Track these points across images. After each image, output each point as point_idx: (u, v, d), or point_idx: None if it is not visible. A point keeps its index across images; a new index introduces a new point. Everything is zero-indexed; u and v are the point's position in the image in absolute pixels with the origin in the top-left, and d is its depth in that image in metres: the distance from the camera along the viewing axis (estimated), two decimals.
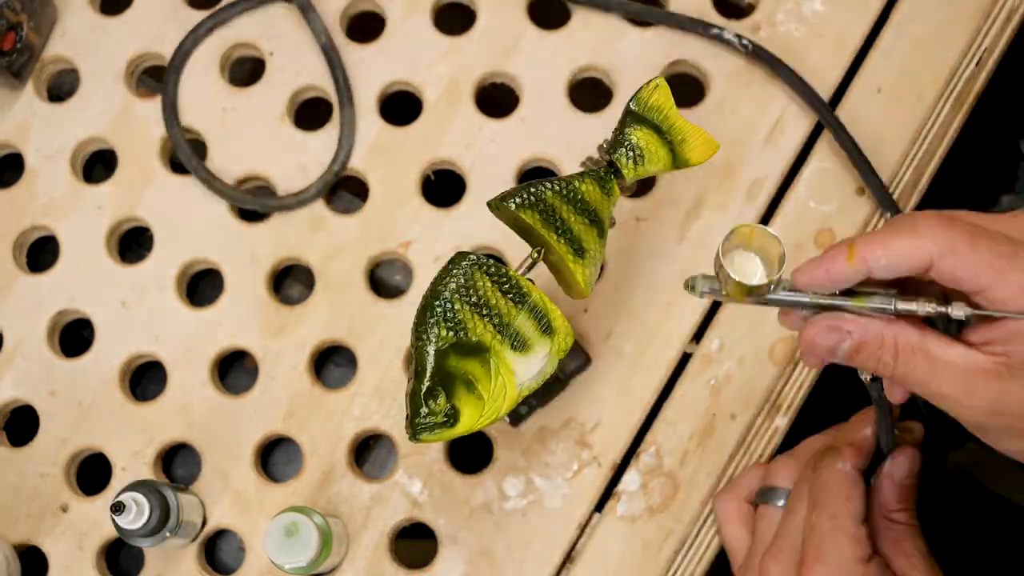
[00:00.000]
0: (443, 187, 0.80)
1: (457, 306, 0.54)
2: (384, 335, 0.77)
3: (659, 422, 0.75)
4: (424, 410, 0.53)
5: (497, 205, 0.56)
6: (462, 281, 0.54)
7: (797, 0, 0.79)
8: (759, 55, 0.77)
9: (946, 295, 0.52)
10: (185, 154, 0.79)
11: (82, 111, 0.82)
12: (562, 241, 0.56)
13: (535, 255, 0.57)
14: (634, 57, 0.79)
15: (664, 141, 0.60)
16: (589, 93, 0.80)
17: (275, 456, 0.81)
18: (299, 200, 0.78)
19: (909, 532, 0.64)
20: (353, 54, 0.81)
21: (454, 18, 0.82)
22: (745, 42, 0.77)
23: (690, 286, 0.54)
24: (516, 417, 0.74)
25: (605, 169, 0.58)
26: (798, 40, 0.78)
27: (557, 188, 0.57)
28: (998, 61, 0.78)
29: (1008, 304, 0.50)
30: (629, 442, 0.74)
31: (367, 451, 0.80)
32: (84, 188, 0.81)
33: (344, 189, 0.83)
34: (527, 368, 0.55)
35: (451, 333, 0.54)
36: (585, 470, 0.74)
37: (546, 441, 0.74)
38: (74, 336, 0.81)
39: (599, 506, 0.74)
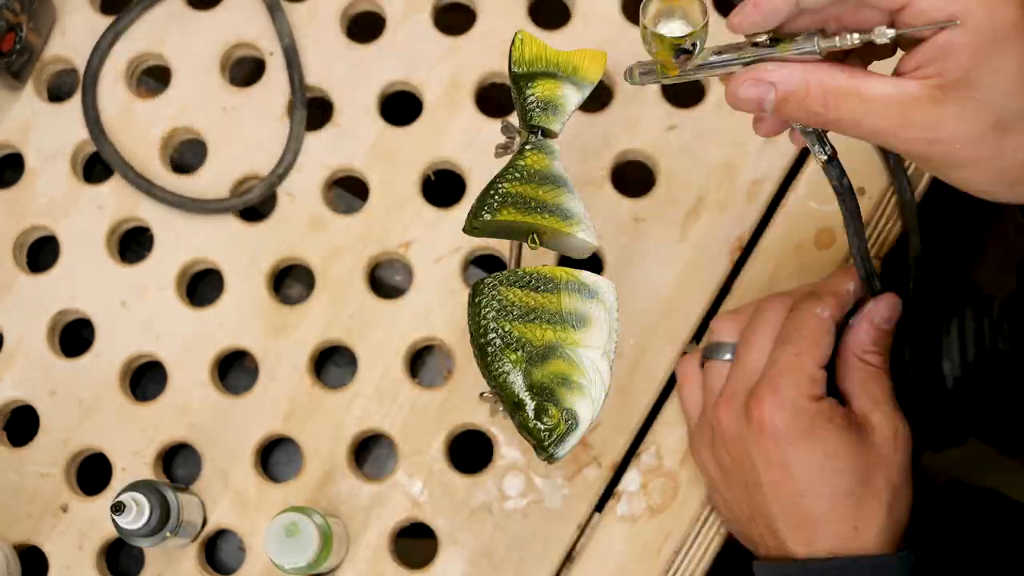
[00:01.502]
0: (443, 187, 0.80)
1: (507, 327, 0.54)
2: (384, 335, 0.77)
3: (659, 422, 0.75)
4: (544, 430, 0.53)
5: (474, 225, 0.57)
6: (496, 305, 0.55)
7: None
8: None
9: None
10: (116, 159, 0.80)
11: (82, 111, 0.81)
12: (547, 216, 0.56)
13: (529, 243, 0.58)
14: (634, 56, 0.79)
15: (562, 80, 0.60)
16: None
17: (275, 456, 0.81)
18: (242, 201, 0.78)
19: (877, 375, 0.64)
20: (353, 54, 0.81)
21: (454, 18, 0.82)
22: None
23: (628, 74, 0.54)
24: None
25: (534, 136, 0.59)
26: None
27: (511, 176, 0.57)
28: None
29: (931, 14, 0.47)
30: (629, 442, 0.75)
31: (367, 451, 0.80)
32: (84, 188, 0.81)
33: (344, 189, 0.83)
34: (598, 334, 0.55)
35: (519, 353, 0.54)
36: (585, 470, 0.74)
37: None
38: (74, 336, 0.81)
39: (599, 506, 0.74)
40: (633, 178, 0.79)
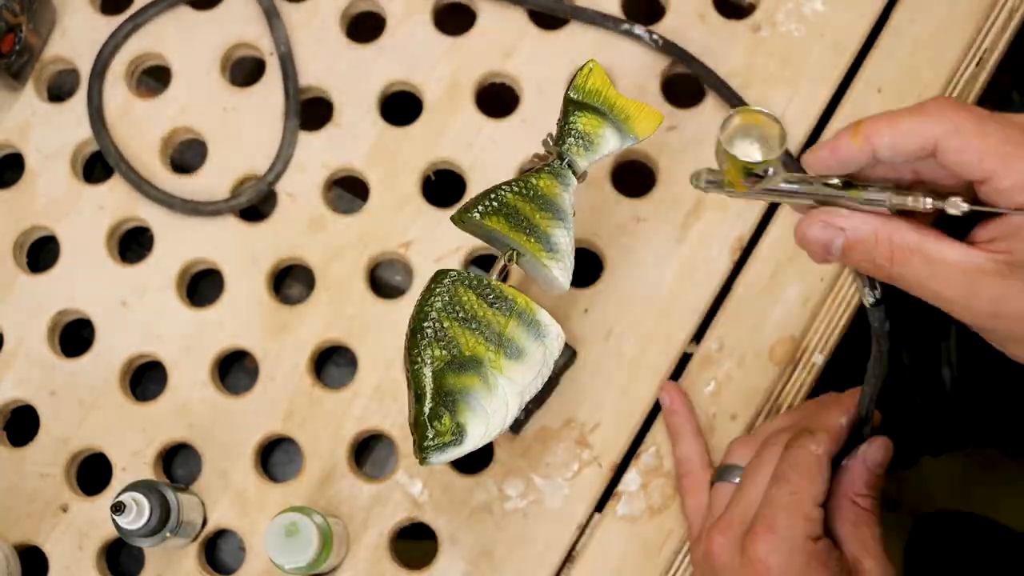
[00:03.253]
0: (443, 187, 0.80)
1: (446, 324, 0.54)
2: (384, 335, 0.77)
3: (659, 422, 0.75)
4: (431, 432, 0.53)
5: (462, 218, 0.57)
6: (447, 299, 0.54)
7: (798, 0, 0.79)
8: (669, 50, 0.78)
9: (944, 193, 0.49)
10: (113, 158, 0.80)
11: (82, 111, 0.82)
12: (532, 240, 0.56)
13: (506, 260, 0.57)
14: (633, 57, 0.79)
15: (609, 122, 0.60)
16: None
17: (275, 456, 0.81)
18: (229, 206, 0.78)
19: (869, 518, 0.63)
20: (353, 54, 0.81)
21: (454, 18, 0.82)
22: (655, 37, 0.78)
23: (695, 178, 0.53)
24: (515, 425, 0.74)
25: (558, 161, 0.59)
26: (798, 40, 0.78)
27: (516, 189, 0.57)
28: (999, 61, 0.78)
29: (1014, 194, 0.46)
30: (629, 442, 0.74)
31: (367, 451, 0.80)
32: (84, 188, 0.81)
33: (344, 189, 0.83)
34: (526, 373, 0.55)
35: (445, 352, 0.54)
36: (585, 470, 0.74)
37: (546, 442, 0.74)
38: (74, 336, 0.81)
39: (599, 506, 0.74)
40: (633, 178, 0.79)
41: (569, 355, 0.74)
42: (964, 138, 0.47)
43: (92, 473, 0.78)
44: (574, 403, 0.75)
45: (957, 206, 0.48)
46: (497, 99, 0.81)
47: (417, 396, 0.54)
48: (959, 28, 0.77)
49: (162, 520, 0.68)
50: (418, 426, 0.53)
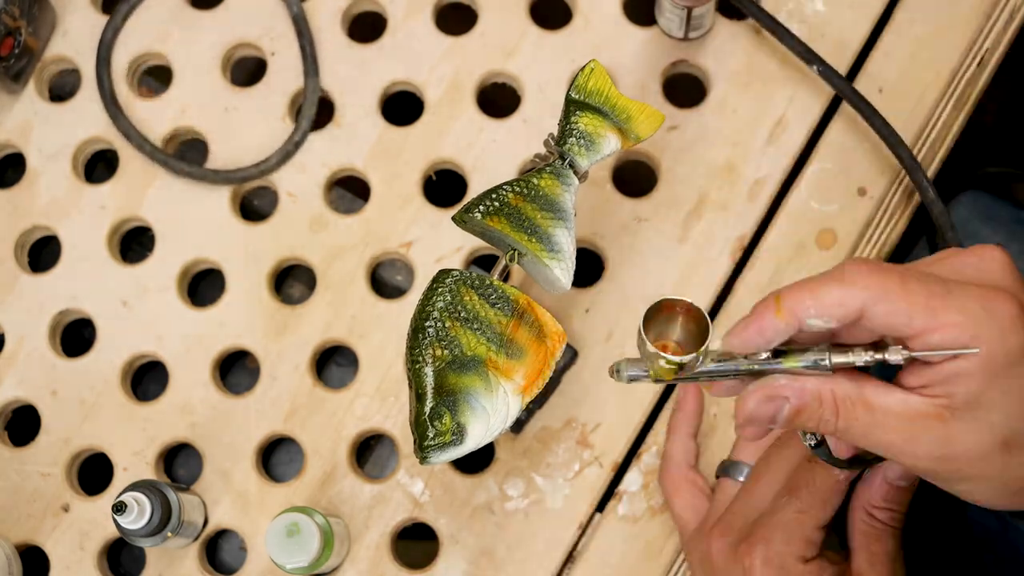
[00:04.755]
0: (444, 187, 0.80)
1: (448, 323, 0.54)
2: (385, 335, 0.77)
3: (660, 422, 0.75)
4: (431, 432, 0.53)
5: (463, 218, 0.56)
6: (449, 299, 0.54)
7: (799, 0, 0.79)
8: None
9: (879, 342, 0.50)
10: (136, 139, 0.80)
11: (83, 110, 0.82)
12: (533, 240, 0.56)
13: (508, 260, 0.57)
14: (635, 57, 0.79)
15: (610, 122, 0.60)
16: None
17: (276, 456, 0.81)
18: (260, 170, 0.79)
19: (882, 532, 0.62)
20: (354, 54, 0.81)
21: (455, 18, 0.82)
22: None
23: (614, 371, 0.51)
24: (517, 424, 0.74)
25: (559, 161, 0.58)
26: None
27: (518, 189, 0.57)
28: (1000, 61, 0.78)
29: (945, 346, 0.48)
30: (630, 442, 0.74)
31: (368, 451, 0.80)
32: (85, 188, 0.81)
33: (346, 189, 0.83)
34: (526, 374, 0.55)
35: (446, 351, 0.54)
36: (586, 470, 0.74)
37: (547, 441, 0.74)
38: (76, 336, 0.81)
39: (600, 506, 0.74)
40: (634, 178, 0.79)
41: (571, 355, 0.74)
42: (891, 303, 0.48)
43: (93, 473, 0.78)
44: (575, 403, 0.75)
45: (899, 353, 0.48)
46: (498, 99, 0.81)
47: (418, 395, 0.54)
48: (960, 28, 0.77)
49: (163, 520, 0.68)
50: (419, 425, 0.53)
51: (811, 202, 0.76)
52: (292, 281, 0.84)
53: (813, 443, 0.54)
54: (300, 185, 0.79)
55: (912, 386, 0.49)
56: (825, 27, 0.78)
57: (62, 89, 0.85)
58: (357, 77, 0.81)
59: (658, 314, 0.49)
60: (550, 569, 0.73)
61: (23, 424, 0.79)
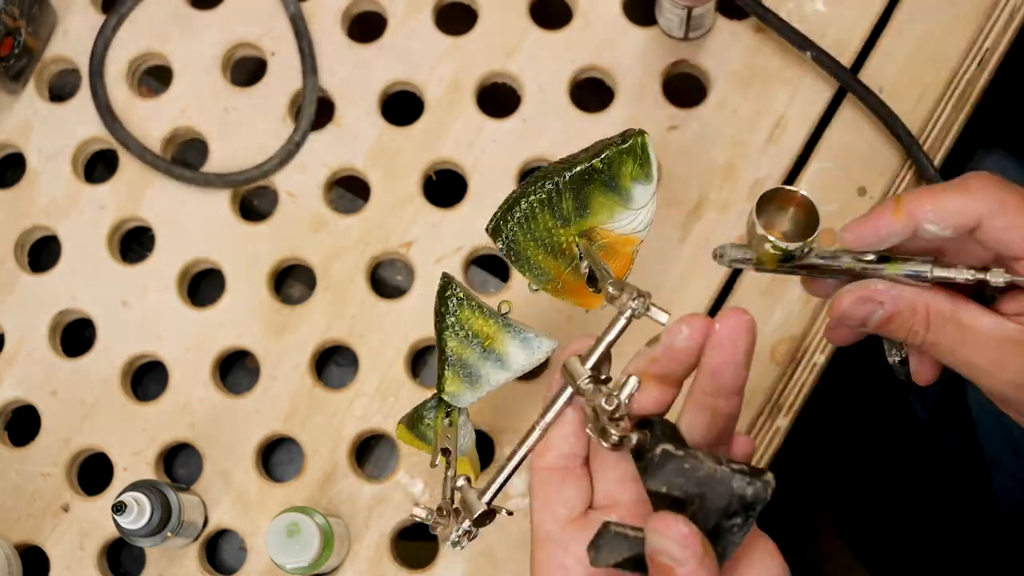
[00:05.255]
0: (444, 187, 0.80)
1: (464, 315, 0.55)
2: (385, 335, 0.77)
3: None
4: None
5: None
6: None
7: (799, 0, 0.79)
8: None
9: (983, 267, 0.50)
10: (136, 148, 0.80)
11: (84, 110, 0.82)
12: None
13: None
14: (635, 57, 0.79)
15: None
16: (591, 93, 0.80)
17: (276, 456, 0.81)
18: (261, 171, 0.79)
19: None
20: (354, 54, 0.81)
21: (455, 18, 0.82)
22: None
23: (719, 255, 0.52)
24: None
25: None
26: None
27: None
28: (1000, 61, 0.78)
29: None
30: None
31: (368, 451, 0.80)
32: (85, 188, 0.81)
33: (346, 189, 0.83)
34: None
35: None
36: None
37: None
38: (76, 336, 0.81)
39: None
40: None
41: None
42: (1009, 218, 0.48)
43: (93, 473, 0.78)
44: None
45: (999, 275, 0.49)
46: (498, 99, 0.81)
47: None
48: (960, 28, 0.77)
49: (163, 520, 0.68)
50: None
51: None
52: (292, 281, 0.84)
53: (898, 359, 0.54)
54: (300, 185, 0.79)
55: (1008, 312, 0.49)
56: (825, 27, 0.78)
57: (62, 89, 0.85)
58: (357, 77, 0.81)
59: (769, 204, 0.50)
60: None
61: (23, 424, 0.79)
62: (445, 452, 0.58)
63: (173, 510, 0.69)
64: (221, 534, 0.77)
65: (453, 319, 0.56)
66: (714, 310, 0.76)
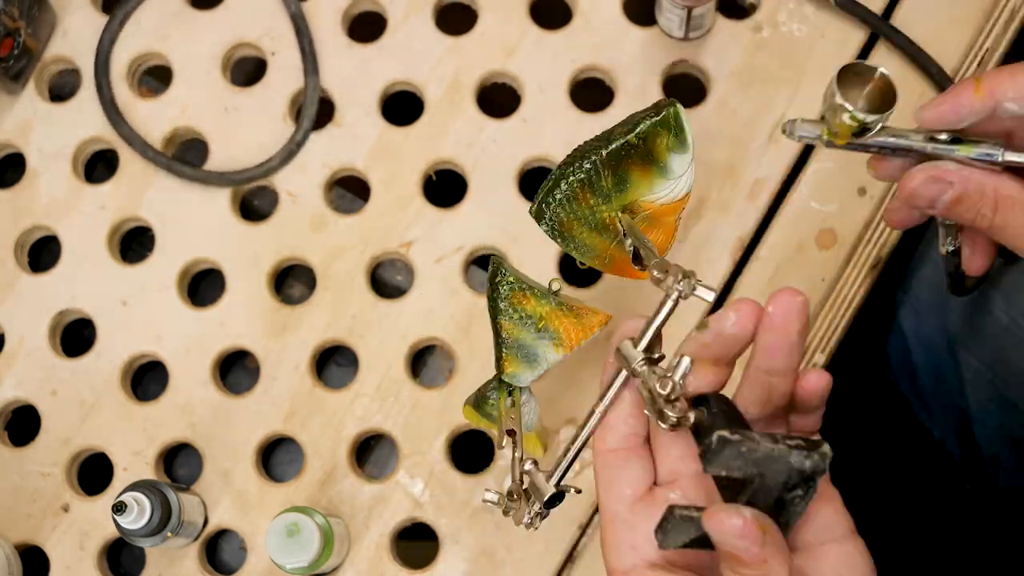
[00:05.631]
0: (444, 187, 0.80)
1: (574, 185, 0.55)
2: (385, 335, 0.77)
3: None
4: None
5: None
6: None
7: (799, 0, 0.79)
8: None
9: None
10: (139, 145, 0.80)
11: (83, 110, 0.82)
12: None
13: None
14: (635, 57, 0.79)
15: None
16: (590, 93, 0.80)
17: (276, 456, 0.81)
18: (263, 171, 0.79)
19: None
20: (354, 54, 0.81)
21: (455, 18, 0.82)
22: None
23: (788, 130, 0.52)
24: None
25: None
26: (800, 40, 0.78)
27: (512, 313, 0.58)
28: (1000, 61, 0.78)
29: None
30: None
31: (368, 451, 0.80)
32: (85, 188, 0.81)
33: (346, 189, 0.83)
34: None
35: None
36: (587, 470, 0.74)
37: (548, 441, 0.74)
38: (76, 336, 0.81)
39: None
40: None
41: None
42: None
43: (93, 473, 0.78)
44: (575, 403, 0.75)
45: None
46: (498, 99, 0.81)
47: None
48: (960, 28, 0.77)
49: (163, 520, 0.68)
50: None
51: (811, 202, 0.76)
52: (292, 281, 0.84)
53: (951, 249, 0.54)
54: (300, 185, 0.79)
55: None
56: (825, 27, 0.78)
57: (62, 89, 0.85)
58: (357, 77, 0.81)
59: (847, 78, 0.50)
60: (550, 569, 0.73)
61: (23, 424, 0.79)
62: (511, 433, 0.58)
63: (173, 510, 0.69)
64: (221, 534, 0.77)
65: (506, 303, 0.57)
66: (714, 311, 0.76)
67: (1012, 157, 0.50)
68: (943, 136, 0.51)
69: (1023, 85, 0.49)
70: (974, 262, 0.56)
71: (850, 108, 0.50)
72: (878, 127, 0.51)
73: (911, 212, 0.54)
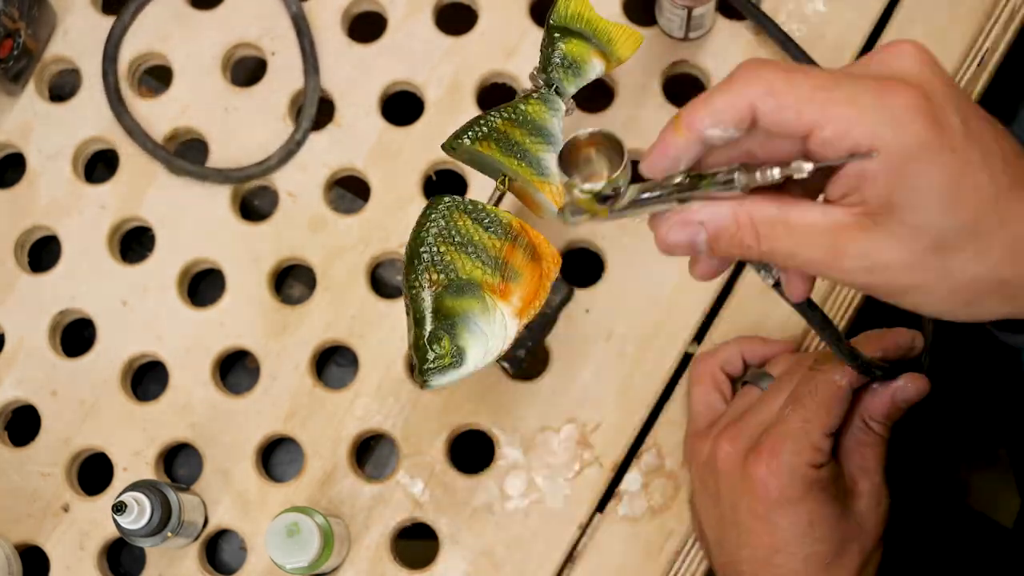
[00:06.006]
0: (444, 187, 0.80)
1: (442, 248, 0.55)
2: (385, 335, 0.77)
3: (660, 422, 0.74)
4: (431, 355, 0.53)
5: (452, 145, 0.57)
6: (442, 224, 0.55)
7: (799, 0, 0.79)
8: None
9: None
10: (140, 137, 0.80)
11: (84, 111, 0.82)
12: (523, 164, 0.57)
13: (501, 185, 0.58)
14: (635, 57, 0.79)
15: (592, 46, 0.61)
16: (591, 93, 0.80)
17: (276, 456, 0.81)
18: (262, 169, 0.79)
19: (876, 442, 0.64)
20: (354, 54, 0.81)
21: (455, 18, 0.82)
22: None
23: (562, 215, 0.51)
24: (515, 364, 0.74)
25: (546, 88, 0.60)
26: (800, 40, 0.78)
27: (506, 115, 0.58)
28: (1000, 61, 0.78)
29: (836, 142, 0.44)
30: (630, 442, 0.74)
31: (368, 451, 0.80)
32: (86, 188, 0.81)
33: (346, 189, 0.83)
34: (522, 296, 0.55)
35: (442, 275, 0.54)
36: (586, 470, 0.74)
37: (548, 441, 0.74)
38: (76, 336, 0.81)
39: (600, 506, 0.74)
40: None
41: (566, 292, 0.75)
42: (778, 97, 0.45)
43: (93, 473, 0.78)
44: (575, 403, 0.75)
45: (801, 168, 0.45)
46: (499, 99, 0.81)
47: (416, 321, 0.54)
48: (960, 28, 0.77)
49: (163, 520, 0.68)
50: (418, 349, 0.54)
51: None
52: (292, 281, 0.84)
53: (771, 282, 0.51)
54: (300, 185, 0.79)
55: (834, 197, 0.46)
56: (825, 27, 0.78)
57: (62, 89, 0.85)
58: (357, 77, 0.81)
59: (576, 152, 0.49)
60: (550, 569, 0.73)
61: (23, 424, 0.79)
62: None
63: (173, 510, 0.69)
64: (221, 534, 0.77)
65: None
66: (714, 311, 0.76)
67: (748, 178, 0.46)
68: (677, 179, 0.48)
69: (714, 107, 0.46)
70: (794, 288, 0.51)
71: (576, 184, 0.48)
72: (624, 189, 0.48)
73: (708, 262, 0.51)
